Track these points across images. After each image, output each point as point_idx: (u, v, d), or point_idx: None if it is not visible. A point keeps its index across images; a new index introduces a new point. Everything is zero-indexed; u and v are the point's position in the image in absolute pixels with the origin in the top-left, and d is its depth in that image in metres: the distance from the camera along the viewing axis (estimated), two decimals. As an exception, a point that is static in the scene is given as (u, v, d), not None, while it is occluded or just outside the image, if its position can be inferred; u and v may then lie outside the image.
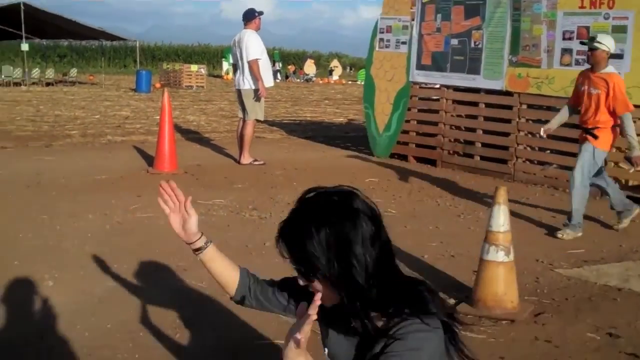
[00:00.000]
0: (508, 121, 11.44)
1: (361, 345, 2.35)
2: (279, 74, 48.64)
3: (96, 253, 6.98)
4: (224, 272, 2.76)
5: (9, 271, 6.37)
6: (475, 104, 12.01)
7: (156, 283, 6.27)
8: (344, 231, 2.17)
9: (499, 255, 5.48)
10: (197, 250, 2.72)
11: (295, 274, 2.34)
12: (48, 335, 5.18)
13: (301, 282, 2.30)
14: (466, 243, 7.48)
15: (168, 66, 41.01)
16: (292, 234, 2.23)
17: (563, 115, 8.32)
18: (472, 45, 11.71)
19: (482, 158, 11.94)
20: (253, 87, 11.94)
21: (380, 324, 2.24)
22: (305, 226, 2.18)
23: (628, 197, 8.58)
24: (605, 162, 8.37)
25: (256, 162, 12.24)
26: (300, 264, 2.24)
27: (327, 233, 2.16)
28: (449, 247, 7.47)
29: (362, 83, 14.90)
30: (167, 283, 6.29)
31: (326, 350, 2.53)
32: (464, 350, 2.35)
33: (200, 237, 2.72)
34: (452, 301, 5.74)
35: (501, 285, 5.47)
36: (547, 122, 8.63)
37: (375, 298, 2.21)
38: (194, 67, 38.83)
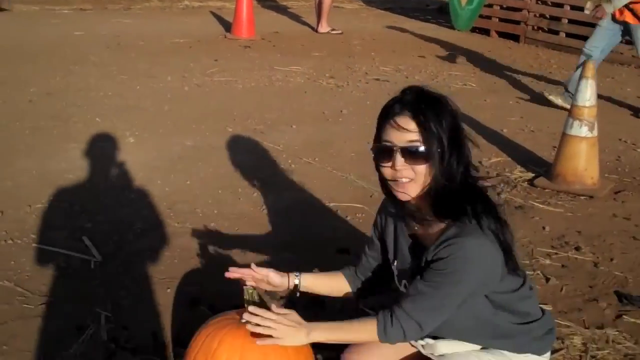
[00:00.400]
0: (597, -3, 10.87)
1: (419, 249, 2.38)
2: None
3: (175, 113, 7.08)
4: (331, 286, 2.75)
5: (91, 127, 6.54)
6: (564, -22, 11.43)
7: (234, 144, 6.34)
8: (458, 120, 2.26)
9: (582, 130, 5.33)
10: (296, 287, 2.67)
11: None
12: (129, 189, 5.35)
13: (398, 166, 2.21)
14: (547, 119, 7.31)
15: None
16: (426, 109, 2.19)
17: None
18: None
19: (568, 35, 11.47)
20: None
21: (442, 226, 2.27)
22: (437, 105, 2.22)
23: None
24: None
25: (334, 32, 12.06)
26: (419, 140, 2.18)
27: (451, 114, 2.23)
28: (529, 122, 7.31)
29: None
30: (245, 144, 6.36)
31: (395, 263, 2.55)
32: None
33: (289, 277, 2.66)
34: (530, 174, 5.67)
35: (582, 161, 5.35)
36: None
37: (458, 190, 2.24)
38: None
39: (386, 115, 2.25)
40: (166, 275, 4.10)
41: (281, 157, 6.05)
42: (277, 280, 2.61)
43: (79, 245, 4.45)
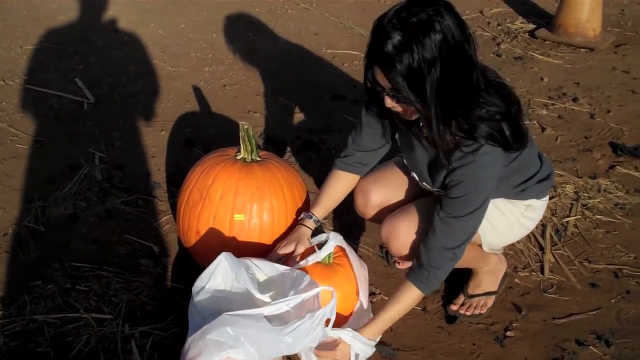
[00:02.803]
0: None
1: (433, 163, 2.33)
2: None
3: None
4: (342, 192, 2.67)
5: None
6: None
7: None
8: (453, 43, 1.97)
9: (588, -21, 5.16)
10: (318, 225, 2.63)
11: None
12: (121, 31, 5.23)
13: (388, 104, 2.11)
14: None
15: None
16: (400, 59, 1.95)
17: None
18: None
19: None
20: None
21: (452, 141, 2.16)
22: (414, 47, 1.93)
23: None
24: None
25: None
26: (401, 89, 2.00)
27: (438, 50, 1.94)
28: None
29: None
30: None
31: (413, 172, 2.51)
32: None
33: (306, 223, 2.59)
34: (531, 26, 5.54)
35: (585, 11, 5.21)
36: None
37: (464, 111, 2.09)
38: None
39: (372, 56, 2.04)
40: (160, 118, 4.07)
41: (278, 2, 5.88)
42: (305, 241, 2.54)
43: (72, 87, 4.39)
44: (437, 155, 2.24)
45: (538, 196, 2.49)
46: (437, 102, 2.00)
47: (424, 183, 2.44)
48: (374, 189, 2.63)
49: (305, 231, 2.56)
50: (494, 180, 2.19)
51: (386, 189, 2.63)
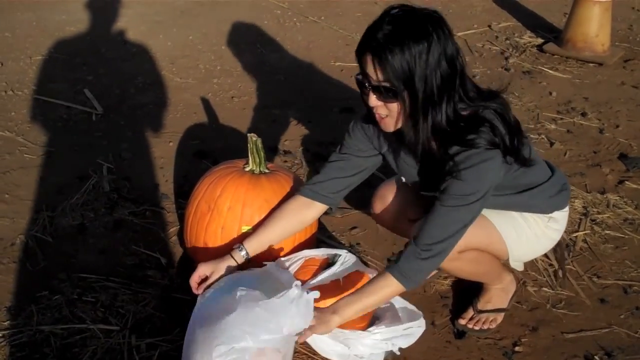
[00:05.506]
0: None
1: (424, 169, 2.34)
2: None
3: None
4: (288, 226, 2.52)
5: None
6: None
7: (238, 0, 6.18)
8: (442, 45, 2.04)
9: (596, -7, 5.16)
10: (247, 254, 2.48)
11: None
12: (130, 42, 5.25)
13: (372, 103, 2.11)
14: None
15: None
16: (391, 48, 1.99)
17: None
18: None
19: None
20: None
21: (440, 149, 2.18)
22: (405, 39, 2.00)
23: None
24: None
25: None
26: (391, 79, 2.03)
27: (427, 46, 2.01)
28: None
29: None
30: (249, 0, 6.19)
31: (403, 178, 2.51)
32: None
33: (233, 255, 2.46)
34: (539, 40, 5.54)
35: (594, 26, 5.21)
36: None
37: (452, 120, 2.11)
38: None
39: (365, 44, 2.07)
40: (168, 129, 4.08)
41: (286, 15, 5.90)
42: (221, 268, 2.41)
43: (80, 98, 4.41)
44: (423, 160, 2.28)
45: (559, 207, 2.49)
46: (424, 95, 2.04)
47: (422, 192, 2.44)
48: (392, 195, 2.64)
49: (229, 264, 2.43)
50: (487, 185, 2.15)
51: (403, 196, 2.62)
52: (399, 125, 2.16)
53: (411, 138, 2.18)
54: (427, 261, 2.17)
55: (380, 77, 2.03)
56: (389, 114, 2.14)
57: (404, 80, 2.01)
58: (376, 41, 2.01)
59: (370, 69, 2.05)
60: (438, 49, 2.01)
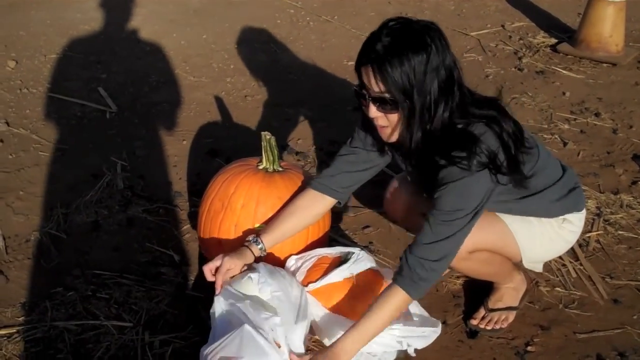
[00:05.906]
0: None
1: (420, 175, 2.35)
2: None
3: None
4: (303, 219, 2.53)
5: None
6: None
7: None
8: (441, 56, 2.06)
9: (610, -6, 5.15)
10: (264, 248, 2.47)
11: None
12: (144, 41, 5.27)
13: (372, 114, 2.12)
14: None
15: None
16: (391, 60, 2.00)
17: None
18: None
19: None
20: None
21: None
22: (405, 51, 2.01)
23: None
24: None
25: None
26: (391, 90, 2.04)
27: (426, 57, 2.02)
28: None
29: None
30: (263, 0, 6.21)
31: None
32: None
33: (251, 249, 2.44)
34: (553, 40, 5.53)
35: (608, 26, 5.19)
36: None
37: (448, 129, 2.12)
38: None
39: (364, 56, 2.07)
40: (182, 128, 4.09)
41: (299, 15, 5.91)
42: (238, 263, 2.38)
43: (94, 96, 4.43)
44: (418, 167, 2.31)
45: (570, 209, 2.49)
46: (422, 105, 2.06)
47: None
48: (405, 187, 2.66)
49: (248, 258, 2.42)
50: (482, 195, 2.15)
51: (415, 189, 2.62)
52: (396, 136, 2.18)
53: (406, 145, 2.19)
54: (425, 279, 2.15)
55: (381, 88, 2.05)
56: (389, 124, 2.16)
57: (404, 91, 2.03)
58: (375, 53, 2.02)
59: (370, 81, 2.07)
60: (437, 60, 2.04)
